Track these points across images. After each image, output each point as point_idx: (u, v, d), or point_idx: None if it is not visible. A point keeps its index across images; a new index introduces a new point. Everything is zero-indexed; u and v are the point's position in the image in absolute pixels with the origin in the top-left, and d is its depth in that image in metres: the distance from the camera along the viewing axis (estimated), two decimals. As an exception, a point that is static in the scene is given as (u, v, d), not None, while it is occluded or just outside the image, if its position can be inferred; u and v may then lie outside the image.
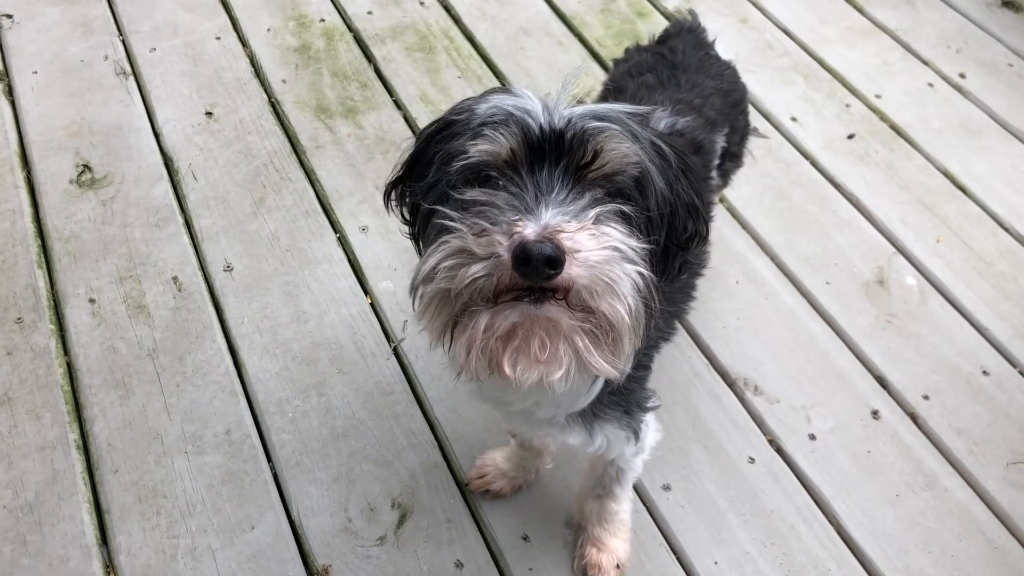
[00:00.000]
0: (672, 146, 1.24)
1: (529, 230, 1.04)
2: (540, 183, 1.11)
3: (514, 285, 1.06)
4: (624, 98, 1.97)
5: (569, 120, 1.12)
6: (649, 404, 1.63)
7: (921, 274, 2.56)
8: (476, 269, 1.06)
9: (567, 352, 1.11)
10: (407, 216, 1.34)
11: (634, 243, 1.11)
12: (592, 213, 1.09)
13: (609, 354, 1.14)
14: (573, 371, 1.13)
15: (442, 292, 1.11)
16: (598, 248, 1.07)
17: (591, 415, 1.51)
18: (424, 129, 1.30)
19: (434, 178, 1.21)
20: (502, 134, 1.13)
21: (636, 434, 1.60)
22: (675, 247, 1.25)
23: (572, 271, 1.04)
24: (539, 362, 1.12)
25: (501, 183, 1.13)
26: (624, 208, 1.14)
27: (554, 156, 1.12)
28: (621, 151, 1.13)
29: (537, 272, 1.02)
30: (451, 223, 1.10)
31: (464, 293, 1.08)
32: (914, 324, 2.44)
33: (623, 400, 1.52)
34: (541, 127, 1.12)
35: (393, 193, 1.34)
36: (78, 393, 2.23)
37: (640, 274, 1.10)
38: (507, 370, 1.13)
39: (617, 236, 1.09)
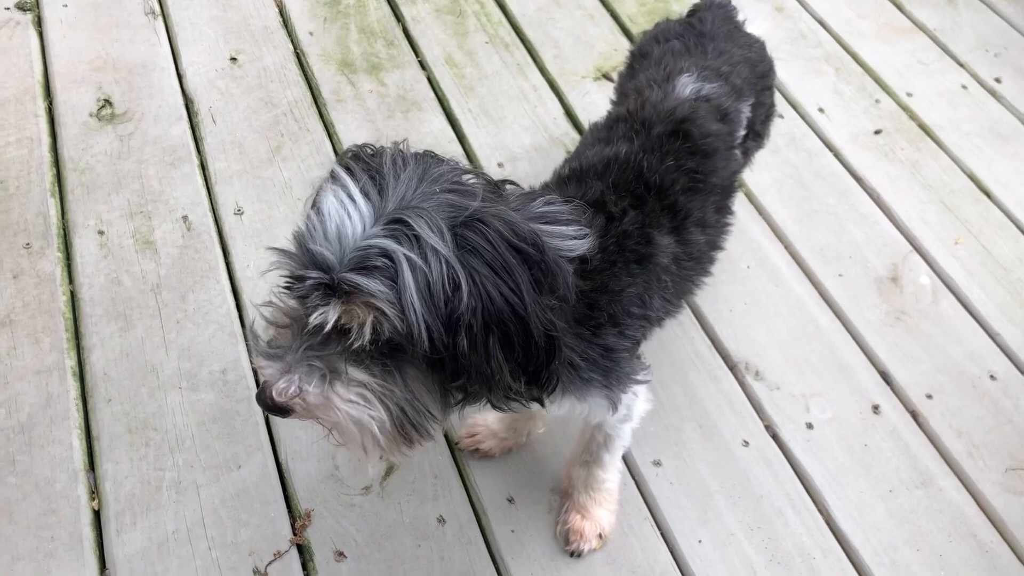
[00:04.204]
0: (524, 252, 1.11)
1: (266, 375, 1.18)
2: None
3: None
4: (649, 63, 1.94)
5: (337, 283, 1.07)
6: (638, 377, 1.60)
7: (936, 274, 2.52)
8: None
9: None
10: None
11: (354, 394, 1.16)
12: (316, 376, 1.15)
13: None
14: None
15: None
16: (316, 402, 1.16)
17: (578, 385, 1.48)
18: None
19: None
20: (281, 300, 1.18)
21: (615, 405, 1.58)
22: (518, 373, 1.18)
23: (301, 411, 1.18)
24: None
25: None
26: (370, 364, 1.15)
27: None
28: (375, 319, 1.08)
29: (266, 409, 1.20)
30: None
31: None
32: (924, 323, 2.40)
33: (603, 375, 1.48)
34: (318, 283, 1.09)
35: None
36: (79, 321, 2.24)
37: (383, 405, 1.16)
38: None
39: (339, 394, 1.16)
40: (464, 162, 1.23)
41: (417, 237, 1.04)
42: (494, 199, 1.16)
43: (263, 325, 1.23)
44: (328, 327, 1.09)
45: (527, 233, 1.11)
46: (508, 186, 1.25)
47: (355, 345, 1.10)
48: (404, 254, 1.04)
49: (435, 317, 1.05)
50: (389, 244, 1.04)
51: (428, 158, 1.19)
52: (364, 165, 1.15)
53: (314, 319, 1.09)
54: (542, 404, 1.29)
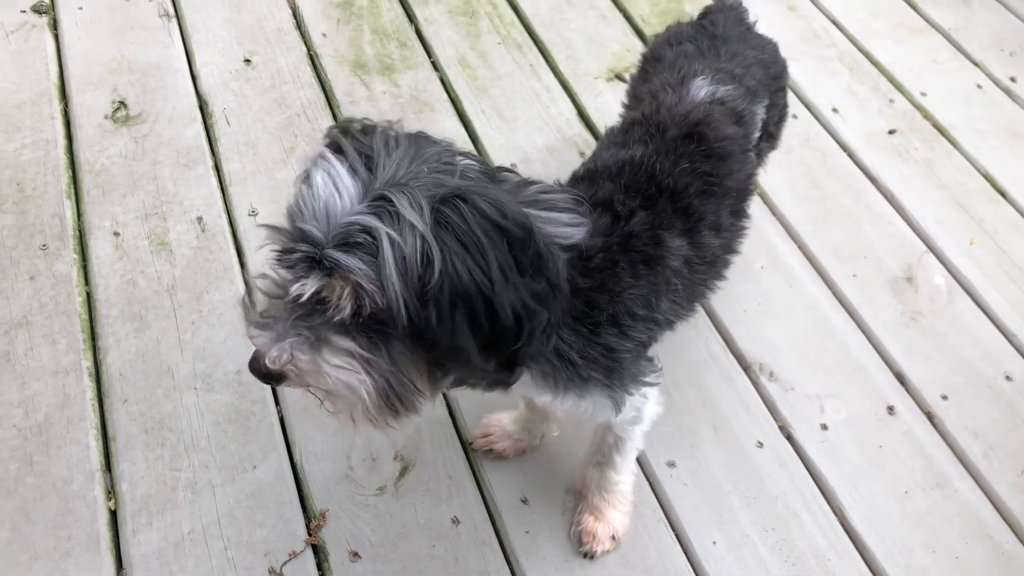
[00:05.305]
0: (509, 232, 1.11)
1: (257, 344, 1.20)
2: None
3: None
4: (663, 67, 1.94)
5: (320, 259, 1.09)
6: (647, 379, 1.61)
7: (951, 274, 2.51)
8: None
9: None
10: None
11: (342, 360, 1.17)
12: (303, 343, 1.16)
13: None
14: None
15: None
16: (307, 368, 1.17)
17: (577, 383, 1.48)
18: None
19: None
20: (275, 272, 1.19)
21: (619, 405, 1.58)
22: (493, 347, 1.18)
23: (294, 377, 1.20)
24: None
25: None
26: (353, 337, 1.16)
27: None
28: (354, 293, 1.10)
29: (257, 376, 1.22)
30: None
31: None
32: (939, 324, 2.39)
33: (604, 374, 1.48)
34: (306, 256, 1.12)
35: None
36: (95, 322, 2.25)
37: (368, 374, 1.17)
38: None
39: (327, 360, 1.17)
40: (457, 144, 1.24)
41: (397, 213, 1.06)
42: (484, 180, 1.17)
43: (259, 296, 1.25)
44: (305, 297, 1.11)
45: (513, 213, 1.11)
46: (506, 173, 1.25)
47: (335, 318, 1.12)
48: (385, 231, 1.06)
49: (410, 291, 1.07)
50: (371, 221, 1.06)
51: (420, 138, 1.20)
52: (355, 143, 1.16)
53: (294, 289, 1.12)
54: (505, 387, 1.30)
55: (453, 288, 1.08)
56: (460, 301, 1.09)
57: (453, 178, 1.12)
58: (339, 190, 1.09)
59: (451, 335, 1.11)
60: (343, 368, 1.17)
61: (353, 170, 1.11)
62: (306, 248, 1.10)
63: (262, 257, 1.20)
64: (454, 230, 1.08)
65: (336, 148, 1.15)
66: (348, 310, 1.11)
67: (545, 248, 1.15)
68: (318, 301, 1.13)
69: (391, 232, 1.06)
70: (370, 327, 1.14)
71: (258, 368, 1.20)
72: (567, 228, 1.21)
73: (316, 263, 1.09)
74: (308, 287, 1.10)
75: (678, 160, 1.60)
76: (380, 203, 1.08)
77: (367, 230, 1.06)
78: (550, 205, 1.22)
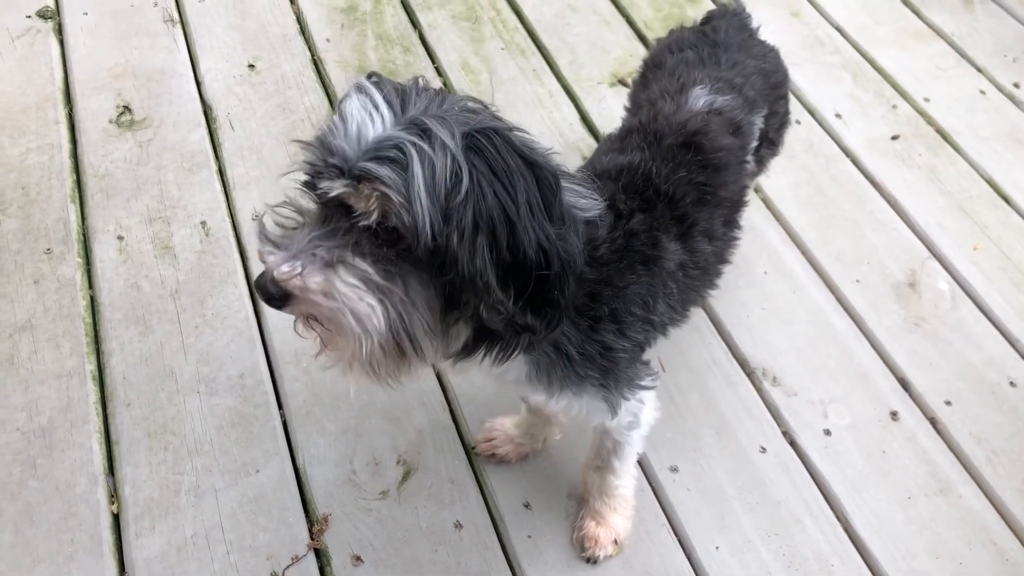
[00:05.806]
0: (524, 172, 1.12)
1: (268, 261, 1.17)
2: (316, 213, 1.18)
3: None
4: (663, 74, 1.94)
5: (349, 169, 1.10)
6: (643, 383, 1.61)
7: (955, 280, 2.51)
8: None
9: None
10: None
11: (356, 279, 1.15)
12: (320, 259, 1.15)
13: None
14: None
15: None
16: (315, 286, 1.15)
17: (573, 380, 1.48)
18: None
19: None
20: (294, 202, 1.21)
21: (614, 408, 1.58)
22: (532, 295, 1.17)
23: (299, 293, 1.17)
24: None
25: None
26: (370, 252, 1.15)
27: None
28: (381, 203, 1.10)
29: (263, 294, 1.19)
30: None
31: None
32: (943, 329, 2.39)
33: (601, 374, 1.48)
34: (333, 165, 1.12)
35: None
36: (99, 326, 2.26)
37: (381, 303, 1.15)
38: None
39: (340, 277, 1.15)
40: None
41: (429, 132, 1.08)
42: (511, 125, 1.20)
43: (272, 224, 1.23)
44: (332, 195, 1.11)
45: (544, 156, 1.15)
46: None
47: (361, 223, 1.11)
48: (415, 144, 1.07)
49: (436, 208, 1.08)
50: (403, 136, 1.08)
51: (444, 90, 1.22)
52: (390, 82, 1.19)
53: (322, 186, 1.12)
54: (535, 333, 1.24)
55: (477, 208, 1.09)
56: (483, 222, 1.09)
57: (482, 117, 1.15)
58: (372, 117, 1.10)
59: (470, 256, 1.11)
60: (356, 288, 1.14)
61: (388, 100, 1.12)
62: (336, 160, 1.10)
63: (283, 186, 1.19)
64: (485, 155, 1.10)
65: (374, 82, 1.17)
66: (374, 218, 1.10)
67: (568, 211, 1.17)
68: (339, 220, 1.13)
69: (423, 146, 1.07)
70: (389, 257, 1.14)
71: (263, 284, 1.17)
72: (585, 201, 1.24)
73: (344, 174, 1.10)
74: (335, 188, 1.10)
75: (675, 168, 1.60)
76: (413, 126, 1.09)
77: (398, 146, 1.08)
78: (569, 178, 1.24)
